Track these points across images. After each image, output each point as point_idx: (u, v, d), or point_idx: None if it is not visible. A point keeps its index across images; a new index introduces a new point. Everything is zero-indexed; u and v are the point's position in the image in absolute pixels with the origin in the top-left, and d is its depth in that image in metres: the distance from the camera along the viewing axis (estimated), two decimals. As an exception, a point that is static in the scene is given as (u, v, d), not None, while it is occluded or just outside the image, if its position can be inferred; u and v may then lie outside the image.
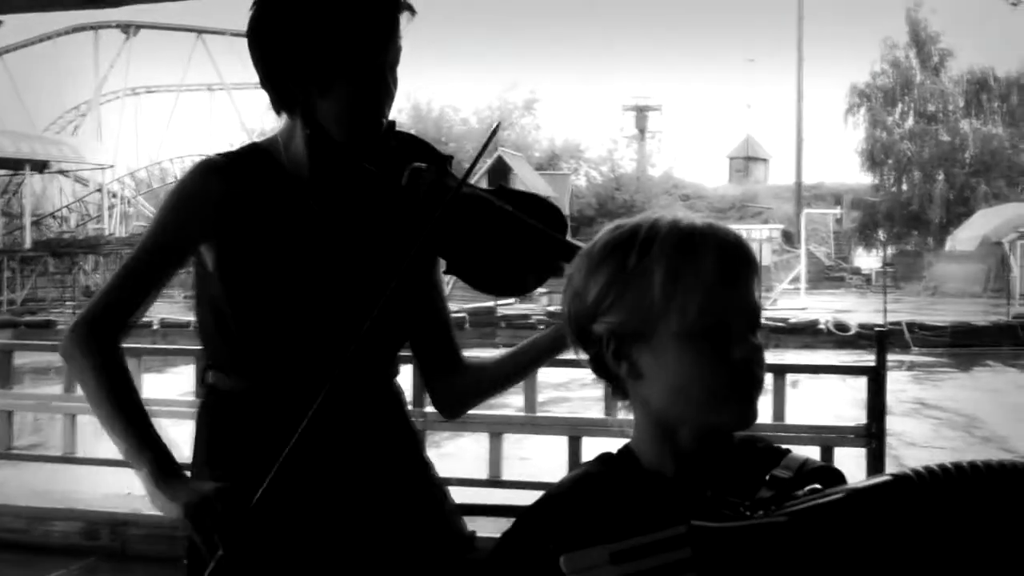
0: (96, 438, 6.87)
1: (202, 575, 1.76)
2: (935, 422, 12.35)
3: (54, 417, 6.77)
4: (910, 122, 48.01)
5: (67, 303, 28.58)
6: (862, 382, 5.84)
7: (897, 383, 15.70)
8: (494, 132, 2.15)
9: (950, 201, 45.92)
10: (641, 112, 59.88)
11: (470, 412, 5.48)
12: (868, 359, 6.18)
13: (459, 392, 2.19)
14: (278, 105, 1.96)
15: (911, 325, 23.12)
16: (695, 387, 1.28)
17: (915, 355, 20.86)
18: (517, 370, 2.16)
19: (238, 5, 1.99)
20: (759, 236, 35.25)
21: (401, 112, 47.93)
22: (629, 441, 1.37)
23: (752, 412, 1.31)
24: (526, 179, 34.66)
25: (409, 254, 1.83)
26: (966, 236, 39.38)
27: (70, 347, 1.84)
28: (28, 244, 32.81)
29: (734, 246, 1.29)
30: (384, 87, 1.93)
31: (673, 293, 1.24)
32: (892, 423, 5.68)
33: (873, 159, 48.21)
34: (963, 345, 22.46)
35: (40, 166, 33.80)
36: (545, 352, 2.05)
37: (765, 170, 62.54)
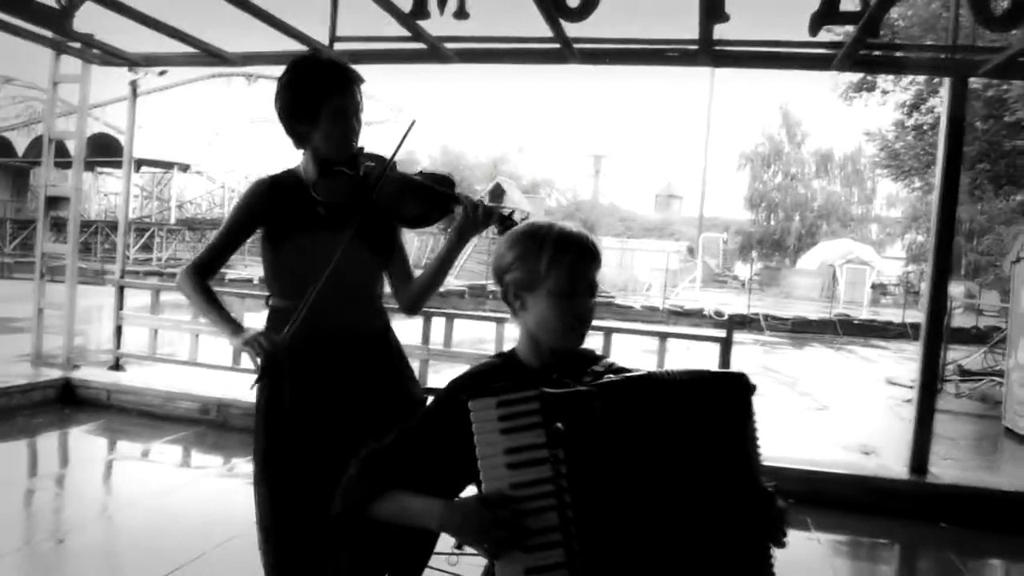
0: (211, 350, 7.09)
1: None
2: (772, 380, 12.49)
3: (184, 335, 6.94)
4: (779, 179, 47.83)
5: (197, 262, 28.35)
6: (715, 348, 6.04)
7: (752, 353, 15.89)
8: (411, 127, 2.22)
9: (802, 234, 45.89)
10: (597, 158, 59.61)
11: (455, 351, 5.67)
12: (720, 333, 6.31)
13: (411, 294, 2.37)
14: (295, 143, 2.24)
15: (766, 316, 23.21)
16: (550, 323, 1.51)
17: (767, 336, 20.91)
18: (442, 265, 2.31)
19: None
20: (672, 249, 35.25)
21: (434, 149, 47.74)
22: (515, 346, 1.60)
23: (579, 340, 1.55)
24: (515, 199, 34.30)
25: (361, 209, 2.12)
26: (810, 259, 39.38)
27: (180, 281, 2.18)
28: (173, 220, 32.75)
29: (589, 247, 1.52)
30: (348, 126, 2.18)
31: (550, 269, 1.48)
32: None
33: (752, 203, 48.08)
34: (800, 332, 22.63)
35: (184, 167, 33.80)
36: (454, 248, 2.23)
37: (680, 205, 62.27)
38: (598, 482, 1.30)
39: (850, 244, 39.10)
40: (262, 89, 28.53)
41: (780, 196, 47.10)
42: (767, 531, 1.38)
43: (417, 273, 2.42)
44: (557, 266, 1.49)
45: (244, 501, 4.36)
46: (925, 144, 18.29)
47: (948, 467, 5.67)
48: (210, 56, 5.59)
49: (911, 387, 11.98)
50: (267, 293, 2.29)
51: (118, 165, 27.92)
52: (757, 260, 44.19)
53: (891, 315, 25.54)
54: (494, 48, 5.21)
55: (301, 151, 2.25)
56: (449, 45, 5.15)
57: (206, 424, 5.79)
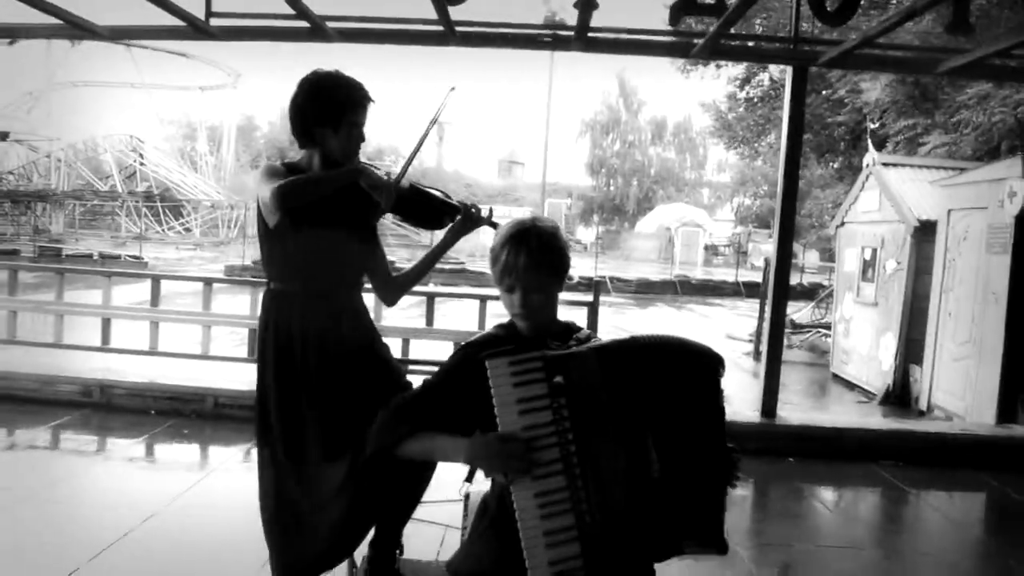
0: (78, 330, 6.85)
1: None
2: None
3: (46, 316, 6.68)
4: (617, 146, 49.67)
5: (22, 237, 26.18)
6: (583, 312, 6.52)
7: (602, 315, 16.51)
8: (446, 100, 2.57)
9: (640, 199, 47.99)
10: (440, 125, 59.44)
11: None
12: (587, 298, 6.71)
13: (396, 287, 2.69)
14: (303, 143, 2.45)
15: (611, 278, 24.28)
16: (508, 310, 1.85)
17: (613, 298, 21.90)
18: (431, 262, 2.63)
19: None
20: (516, 215, 35.80)
21: (274, 115, 45.74)
22: (511, 319, 1.87)
23: (532, 321, 1.82)
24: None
25: (379, 209, 2.41)
26: (648, 223, 41.25)
27: (286, 184, 2.23)
28: (-8, 194, 30.20)
29: (520, 248, 1.79)
30: (360, 137, 2.48)
31: (494, 266, 1.83)
32: (602, 337, 6.29)
33: (593, 169, 49.77)
34: (643, 292, 23.87)
35: (2, 136, 31.17)
36: (447, 247, 2.56)
37: (522, 171, 63.23)
38: (592, 423, 1.61)
39: (684, 208, 41.32)
40: (88, 50, 26.59)
41: (619, 162, 48.96)
42: (727, 476, 1.70)
43: None
44: (499, 264, 1.81)
45: (152, 480, 4.42)
46: (755, 116, 19.75)
47: (790, 410, 6.42)
48: (77, 29, 5.40)
49: (749, 340, 13.12)
50: (268, 277, 2.48)
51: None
52: (599, 224, 45.59)
53: (723, 275, 27.31)
54: (378, 28, 5.35)
55: (304, 150, 2.47)
56: (332, 24, 5.25)
57: (90, 407, 5.63)
